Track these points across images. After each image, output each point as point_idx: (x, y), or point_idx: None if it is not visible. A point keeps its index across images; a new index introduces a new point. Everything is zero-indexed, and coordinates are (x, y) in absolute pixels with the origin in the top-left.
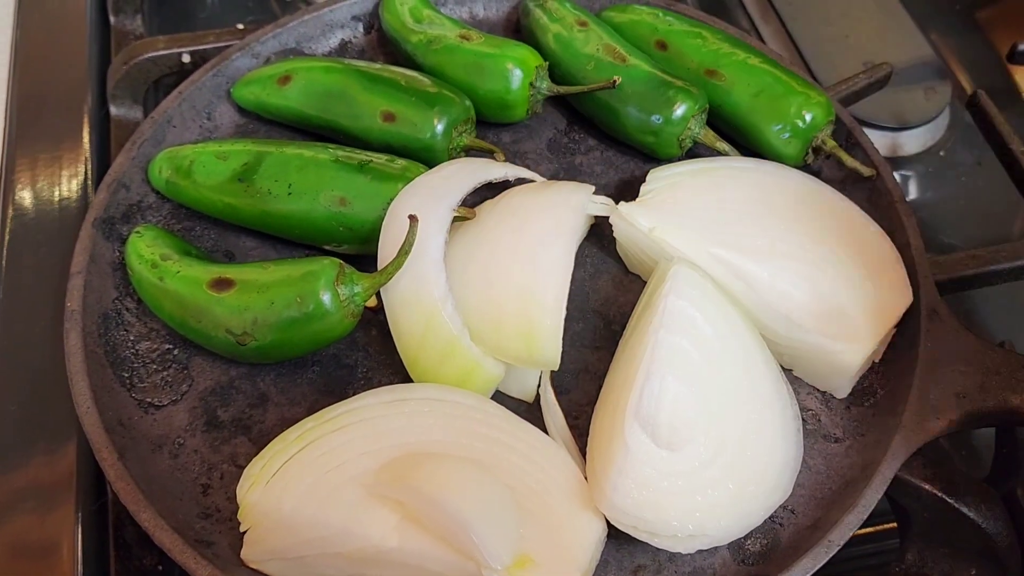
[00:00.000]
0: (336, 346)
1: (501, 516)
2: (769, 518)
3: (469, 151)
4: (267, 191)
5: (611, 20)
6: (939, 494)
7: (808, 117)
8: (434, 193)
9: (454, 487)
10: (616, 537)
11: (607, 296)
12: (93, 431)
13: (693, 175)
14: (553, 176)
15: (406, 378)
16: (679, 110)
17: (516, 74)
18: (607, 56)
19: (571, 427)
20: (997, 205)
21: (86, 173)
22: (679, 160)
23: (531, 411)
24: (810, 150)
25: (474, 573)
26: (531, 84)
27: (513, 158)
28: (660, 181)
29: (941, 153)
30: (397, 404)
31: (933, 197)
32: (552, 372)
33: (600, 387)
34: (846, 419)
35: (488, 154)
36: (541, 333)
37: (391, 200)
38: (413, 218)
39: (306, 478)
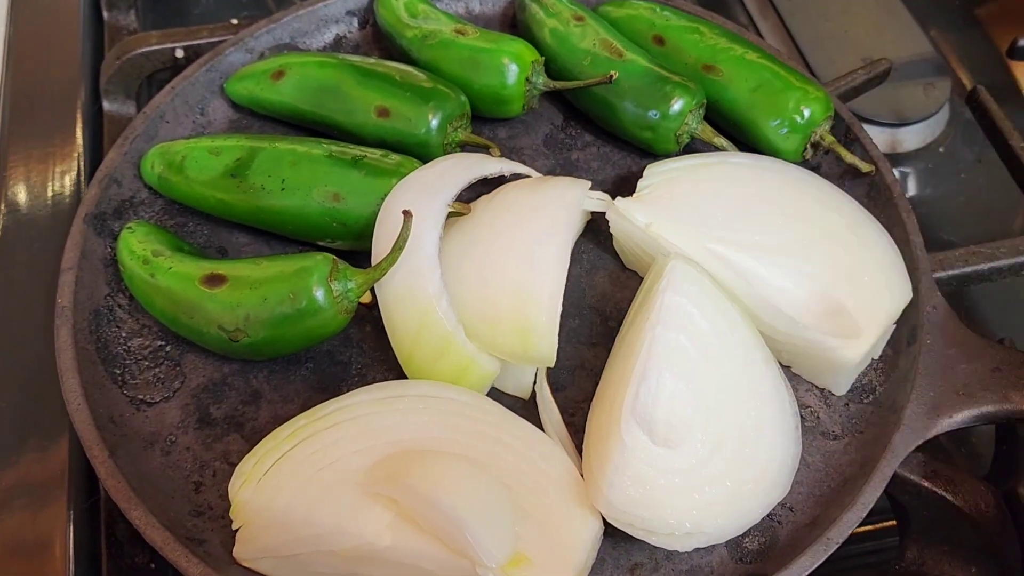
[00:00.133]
0: (330, 343)
1: (496, 514)
2: (767, 516)
3: (464, 147)
4: (260, 187)
5: (608, 15)
6: (939, 492)
7: (806, 112)
8: (429, 188)
9: (448, 485)
10: (613, 535)
11: (604, 292)
12: (84, 428)
13: (690, 171)
14: (549, 172)
15: (401, 375)
16: (676, 105)
17: (512, 69)
18: (604, 51)
19: (567, 424)
20: (997, 202)
21: (79, 169)
22: (676, 156)
23: (527, 408)
24: (809, 146)
25: (468, 571)
26: (527, 79)
27: (509, 154)
28: (657, 177)
29: (940, 150)
30: (391, 401)
31: (933, 194)
32: (548, 369)
33: (596, 384)
34: (845, 416)
35: (484, 150)
36: (536, 329)
37: (385, 196)
38: (407, 214)
39: (299, 476)
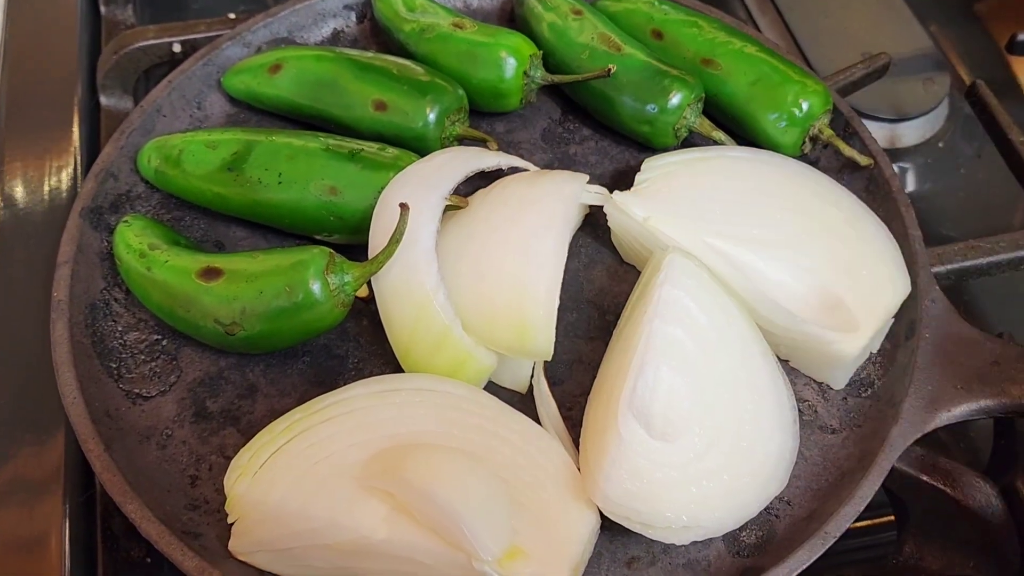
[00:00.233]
0: (327, 336)
1: (492, 508)
2: (765, 510)
3: (462, 140)
4: (257, 180)
5: (606, 9)
6: (937, 486)
7: (805, 106)
8: (426, 182)
9: (445, 478)
10: (610, 529)
11: (601, 286)
12: (79, 422)
13: (688, 164)
14: (547, 166)
15: (397, 368)
16: (675, 99)
17: (510, 63)
18: (602, 45)
19: (565, 418)
20: (996, 197)
21: (76, 164)
22: (675, 150)
23: (524, 402)
24: (807, 139)
25: (464, 565)
26: (525, 73)
27: (507, 148)
28: (655, 170)
29: (940, 145)
30: (388, 395)
31: (932, 189)
32: (546, 363)
33: (594, 378)
34: (843, 410)
35: (481, 143)
36: (533, 323)
37: (382, 189)
38: (404, 206)
39: (294, 469)
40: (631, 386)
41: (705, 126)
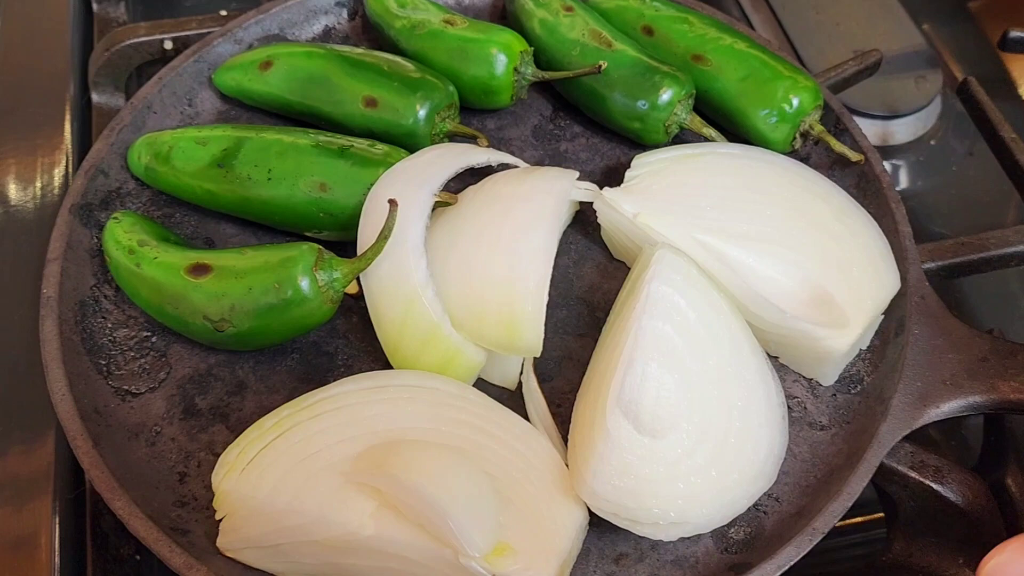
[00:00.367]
0: (316, 333)
1: (480, 503)
2: (753, 506)
3: (452, 137)
4: (247, 177)
5: (597, 5)
6: (927, 483)
7: (795, 102)
8: (415, 178)
9: (432, 474)
10: (598, 525)
11: (591, 283)
12: (68, 419)
13: (679, 161)
14: (538, 162)
15: (387, 365)
16: (665, 95)
17: (500, 59)
18: (593, 41)
19: (554, 415)
20: (988, 195)
21: (67, 161)
22: (665, 146)
23: (513, 399)
24: (798, 135)
25: (451, 561)
26: (516, 69)
27: (498, 145)
28: (645, 167)
29: (932, 142)
30: (376, 391)
31: (924, 186)
32: (535, 359)
33: (583, 375)
34: (832, 407)
35: (472, 140)
36: (522, 319)
37: (372, 186)
38: (393, 203)
39: (282, 465)
40: (619, 382)
41: (696, 123)
